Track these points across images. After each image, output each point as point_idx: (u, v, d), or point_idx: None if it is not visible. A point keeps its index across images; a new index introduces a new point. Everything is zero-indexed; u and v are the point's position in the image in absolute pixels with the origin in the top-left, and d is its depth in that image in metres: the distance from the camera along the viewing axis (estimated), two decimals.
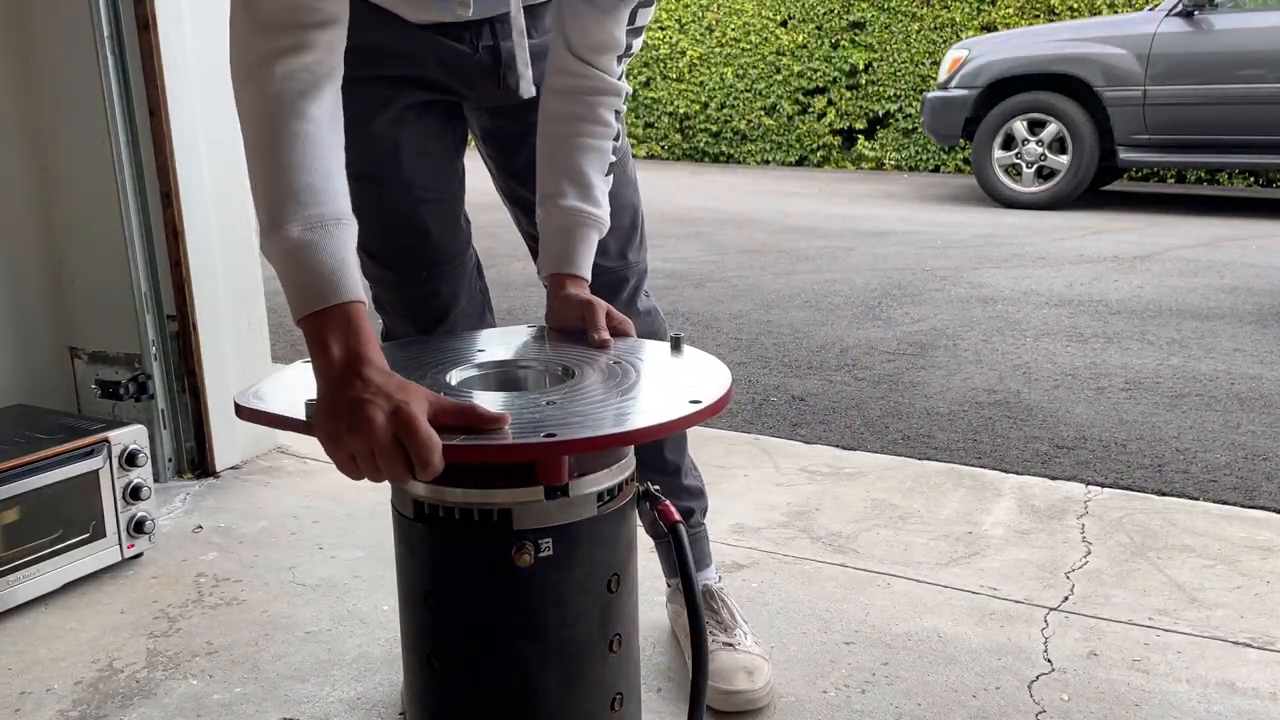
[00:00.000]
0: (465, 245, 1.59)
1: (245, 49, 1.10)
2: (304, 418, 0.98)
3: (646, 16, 1.35)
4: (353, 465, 0.93)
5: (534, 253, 1.56)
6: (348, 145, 1.16)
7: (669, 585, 1.80)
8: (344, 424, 0.92)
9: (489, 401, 1.04)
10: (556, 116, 1.37)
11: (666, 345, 1.25)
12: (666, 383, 1.12)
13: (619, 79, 1.38)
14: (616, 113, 1.39)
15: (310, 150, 1.05)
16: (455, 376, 1.14)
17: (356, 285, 1.02)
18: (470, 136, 1.59)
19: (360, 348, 0.97)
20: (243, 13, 1.10)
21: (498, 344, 1.30)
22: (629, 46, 1.36)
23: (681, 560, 1.06)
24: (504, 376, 1.20)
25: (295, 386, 1.10)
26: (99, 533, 2.02)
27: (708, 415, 1.02)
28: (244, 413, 1.05)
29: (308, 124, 1.05)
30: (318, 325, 0.99)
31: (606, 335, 1.26)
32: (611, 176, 1.40)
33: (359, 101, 1.24)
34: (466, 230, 1.60)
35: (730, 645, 1.66)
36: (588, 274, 1.37)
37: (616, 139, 1.40)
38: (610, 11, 1.32)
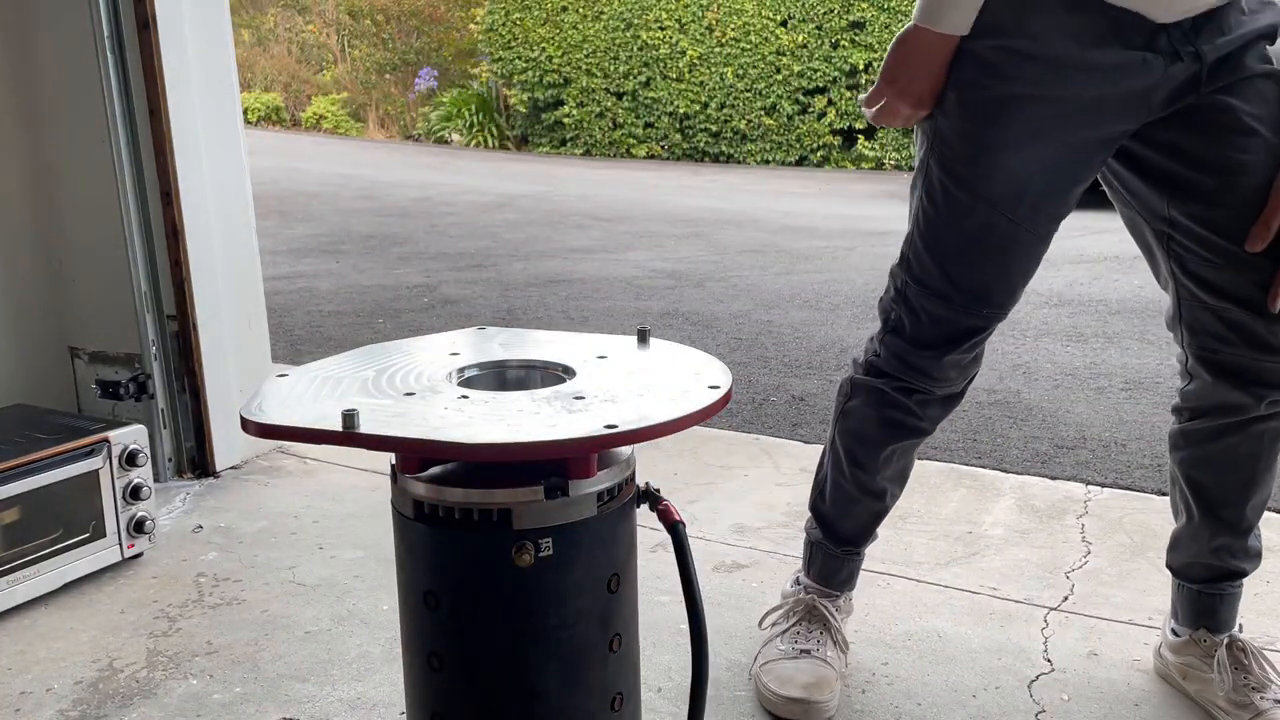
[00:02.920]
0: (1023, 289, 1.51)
1: None
2: (339, 428, 0.97)
3: None
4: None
5: (1178, 305, 1.46)
6: (1002, 158, 1.33)
7: (1175, 634, 1.63)
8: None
9: (504, 402, 1.05)
10: None
11: (634, 340, 1.27)
12: (671, 374, 1.13)
13: None
14: None
15: None
16: (455, 376, 1.14)
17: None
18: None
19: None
20: None
21: (466, 346, 1.30)
22: None
23: (682, 561, 1.06)
24: (504, 376, 1.20)
25: (299, 397, 1.10)
26: (99, 533, 2.02)
27: (726, 402, 1.06)
28: (253, 428, 1.02)
29: None
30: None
31: None
32: None
33: (1038, 121, 1.33)
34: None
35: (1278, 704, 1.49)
36: None
37: None
38: None
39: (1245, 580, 1.59)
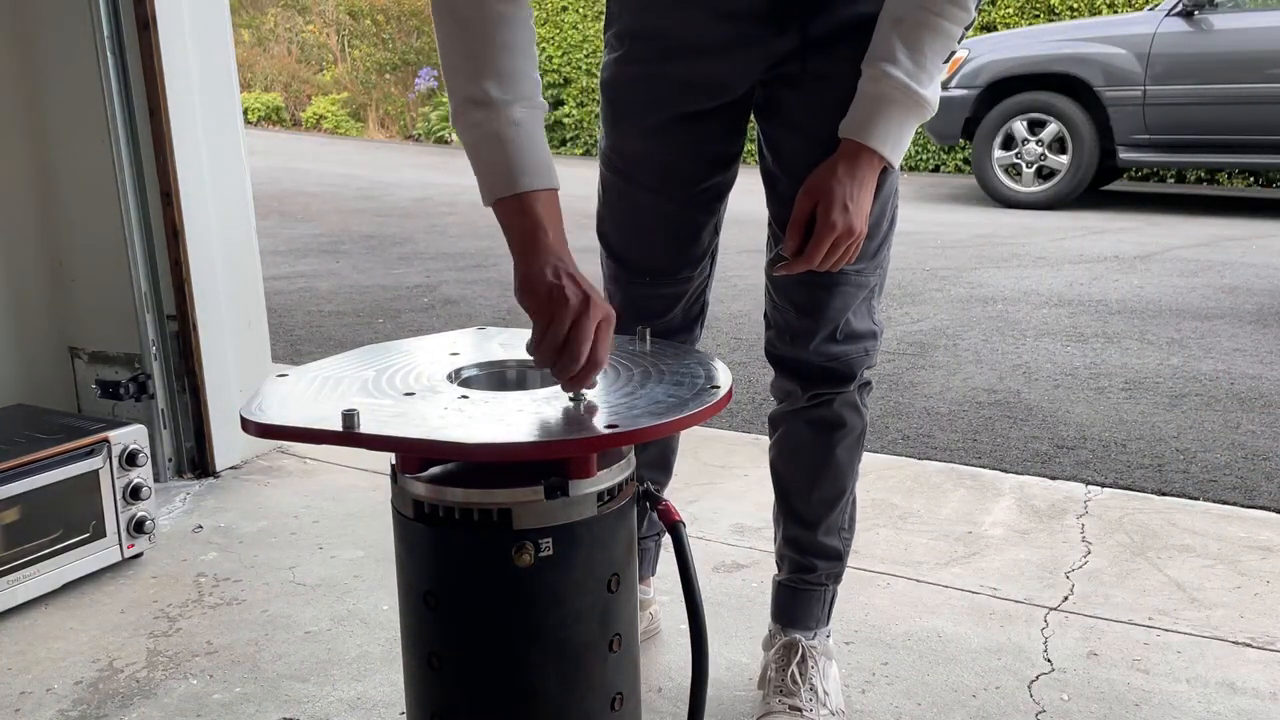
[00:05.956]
0: (694, 261, 1.51)
1: None
2: (339, 428, 0.97)
3: None
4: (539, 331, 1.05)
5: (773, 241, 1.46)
6: (621, 131, 1.27)
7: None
8: (541, 301, 1.05)
9: (504, 402, 1.05)
10: None
11: (634, 339, 1.27)
12: (671, 374, 1.13)
13: None
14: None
15: (521, 33, 1.13)
16: (455, 376, 1.14)
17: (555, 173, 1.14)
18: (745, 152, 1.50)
19: (560, 235, 1.11)
20: None
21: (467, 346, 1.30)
22: None
23: (682, 561, 1.06)
24: (504, 376, 1.20)
25: (299, 397, 1.10)
26: (99, 533, 2.02)
27: (726, 401, 1.06)
28: (253, 428, 1.02)
29: (516, 6, 1.12)
30: (530, 203, 1.10)
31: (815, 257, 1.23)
32: (947, 66, 1.30)
33: (643, 95, 1.30)
34: (705, 247, 1.51)
35: (797, 710, 1.51)
36: (884, 150, 1.27)
37: (968, 29, 1.29)
38: None
39: (836, 586, 1.59)
